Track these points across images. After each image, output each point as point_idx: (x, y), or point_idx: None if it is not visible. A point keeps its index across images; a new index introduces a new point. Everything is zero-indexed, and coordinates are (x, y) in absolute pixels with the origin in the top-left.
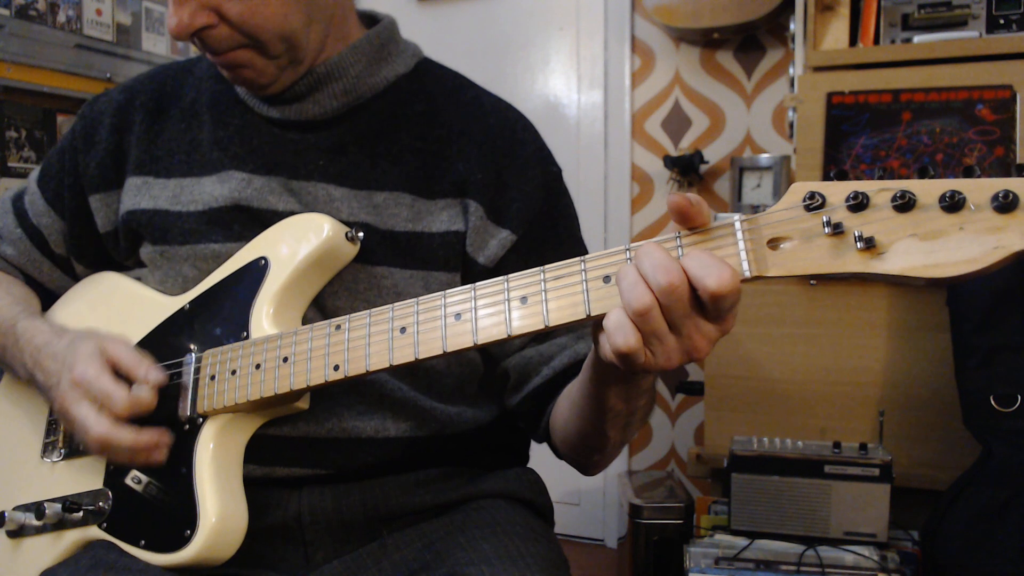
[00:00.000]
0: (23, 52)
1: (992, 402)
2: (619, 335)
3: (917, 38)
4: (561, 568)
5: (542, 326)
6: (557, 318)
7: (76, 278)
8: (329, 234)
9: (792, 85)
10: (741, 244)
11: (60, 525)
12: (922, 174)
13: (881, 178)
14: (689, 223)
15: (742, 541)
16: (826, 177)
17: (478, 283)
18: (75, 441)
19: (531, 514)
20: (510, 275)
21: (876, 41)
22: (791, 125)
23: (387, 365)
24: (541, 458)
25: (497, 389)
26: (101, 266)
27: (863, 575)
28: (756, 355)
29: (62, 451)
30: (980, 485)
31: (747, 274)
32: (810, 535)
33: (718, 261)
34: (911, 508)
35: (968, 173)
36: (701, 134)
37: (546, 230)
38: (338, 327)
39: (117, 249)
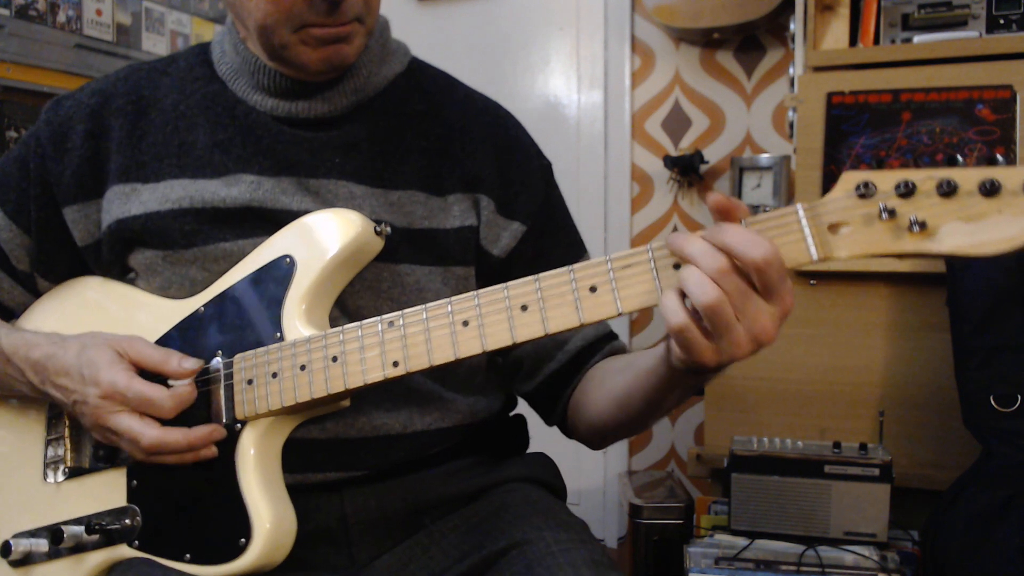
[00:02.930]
0: (23, 52)
1: (992, 402)
2: (699, 292)
3: (917, 38)
4: (594, 537)
5: (616, 313)
6: (630, 306)
7: (37, 294)
8: (360, 229)
9: (792, 85)
10: (807, 229)
11: (79, 548)
12: (952, 163)
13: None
14: (730, 220)
15: (742, 541)
16: (827, 177)
17: (540, 275)
18: (81, 459)
19: (552, 495)
20: (574, 266)
21: (876, 41)
22: (791, 125)
23: (452, 358)
24: (543, 451)
25: (507, 378)
26: (69, 280)
27: (863, 575)
28: (756, 355)
29: (68, 470)
30: (980, 485)
31: (815, 257)
32: (810, 535)
33: (753, 234)
34: (911, 508)
35: (991, 162)
36: (701, 134)
37: (548, 220)
38: (391, 323)
39: (99, 261)
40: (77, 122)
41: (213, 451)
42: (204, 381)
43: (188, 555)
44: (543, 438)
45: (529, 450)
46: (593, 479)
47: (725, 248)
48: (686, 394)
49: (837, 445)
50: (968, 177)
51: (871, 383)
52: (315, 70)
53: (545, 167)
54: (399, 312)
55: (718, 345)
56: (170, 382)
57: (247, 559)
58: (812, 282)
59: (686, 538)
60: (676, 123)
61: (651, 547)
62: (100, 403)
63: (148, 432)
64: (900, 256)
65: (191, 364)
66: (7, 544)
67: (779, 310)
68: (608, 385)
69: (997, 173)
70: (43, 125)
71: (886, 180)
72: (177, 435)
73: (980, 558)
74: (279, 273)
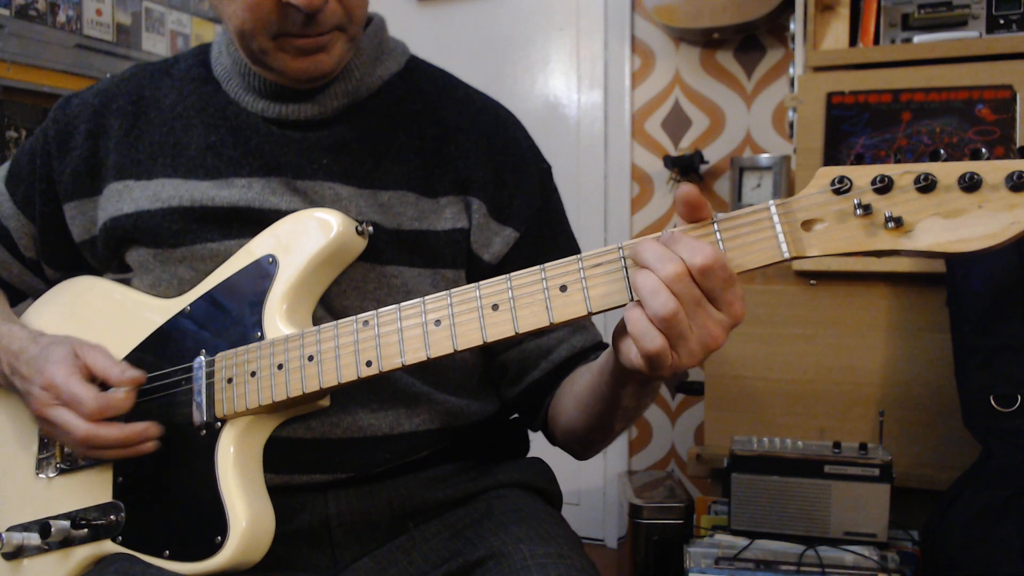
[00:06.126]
0: (23, 52)
1: (992, 402)
2: (647, 341)
3: (917, 38)
4: (582, 548)
5: (585, 312)
6: (600, 305)
7: (46, 280)
8: (340, 229)
9: (792, 85)
10: (778, 227)
11: (67, 543)
12: (934, 157)
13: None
14: (696, 215)
15: (742, 541)
16: None
17: (512, 274)
18: (73, 455)
19: (544, 502)
20: (545, 264)
21: (876, 41)
22: (791, 125)
23: (424, 358)
24: (544, 455)
25: (494, 382)
26: (72, 271)
27: (863, 575)
28: (756, 355)
29: (59, 466)
30: (980, 485)
31: (786, 255)
32: (810, 535)
33: (697, 241)
34: (911, 508)
35: (976, 156)
36: (701, 134)
37: (543, 226)
38: (365, 323)
39: (95, 256)
40: (81, 122)
41: (151, 446)
42: (187, 380)
43: (167, 552)
44: (545, 441)
45: (532, 453)
46: (593, 479)
47: (676, 253)
48: (640, 391)
49: (837, 445)
50: (948, 171)
51: (871, 383)
52: (295, 78)
53: (544, 171)
54: (374, 311)
55: (676, 357)
56: (111, 389)
57: (222, 557)
58: (812, 282)
59: (686, 538)
60: (676, 123)
61: (651, 547)
62: (39, 394)
63: (82, 426)
64: (875, 254)
65: (132, 374)
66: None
67: (728, 319)
68: (575, 389)
69: (978, 167)
70: (51, 123)
71: (863, 175)
72: (112, 430)
73: (980, 558)
74: (262, 272)
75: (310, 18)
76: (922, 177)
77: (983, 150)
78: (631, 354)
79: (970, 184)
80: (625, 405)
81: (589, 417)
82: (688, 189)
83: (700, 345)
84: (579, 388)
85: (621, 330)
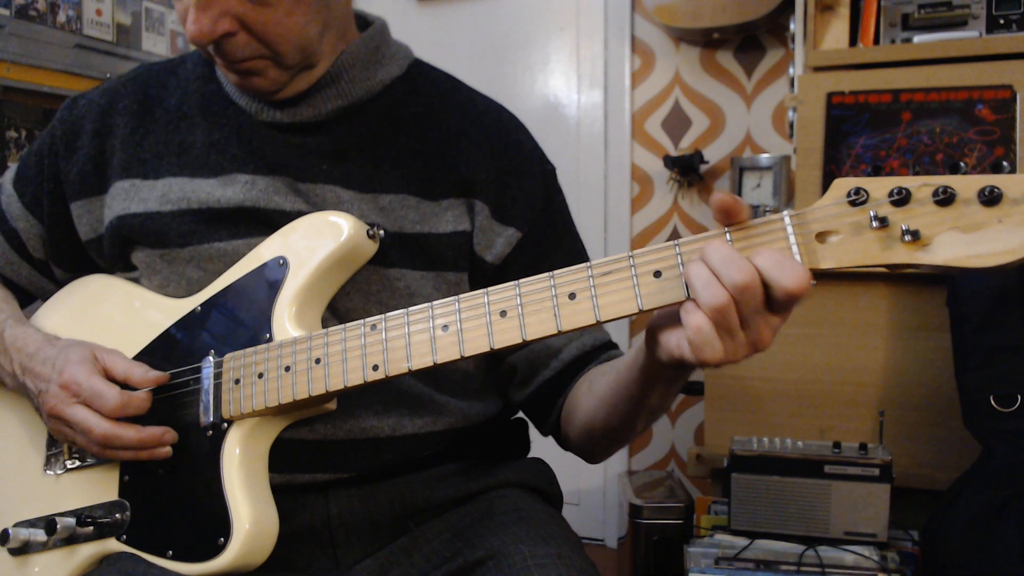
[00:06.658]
0: (23, 52)
1: (992, 402)
2: (707, 350)
3: (917, 38)
4: (582, 548)
5: (593, 321)
6: (609, 313)
7: (55, 281)
8: (351, 232)
9: (792, 85)
10: (792, 238)
11: (72, 540)
12: (954, 170)
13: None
14: (732, 220)
15: (742, 541)
16: (827, 177)
17: (522, 280)
18: (82, 452)
19: (544, 502)
20: (554, 272)
21: (876, 41)
22: (791, 125)
23: (431, 363)
24: (544, 455)
25: (502, 384)
26: (81, 271)
27: (863, 575)
28: (756, 355)
29: (67, 463)
30: (980, 485)
31: None
32: (810, 535)
33: (791, 260)
34: (911, 508)
35: (996, 168)
36: (701, 134)
37: (547, 227)
38: (373, 327)
39: (101, 256)
40: (88, 121)
41: (166, 451)
42: (195, 380)
43: (170, 552)
44: (546, 441)
45: (531, 454)
46: (593, 479)
47: (758, 269)
48: (668, 390)
49: (837, 445)
50: (967, 184)
51: (871, 383)
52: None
53: (547, 172)
54: (381, 316)
55: (723, 351)
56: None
57: (225, 559)
58: (812, 282)
59: (686, 538)
60: (676, 123)
61: (651, 547)
62: (57, 392)
63: (101, 424)
64: (891, 268)
65: (154, 375)
66: (6, 532)
67: (781, 322)
68: (595, 388)
69: (998, 180)
70: (58, 123)
71: (879, 187)
72: (130, 431)
73: (980, 558)
74: (272, 274)
75: (220, 48)
76: (941, 190)
77: (1004, 163)
78: (671, 343)
79: (990, 198)
80: (651, 404)
81: (611, 417)
82: (722, 197)
83: (748, 345)
84: (601, 387)
85: (661, 324)
